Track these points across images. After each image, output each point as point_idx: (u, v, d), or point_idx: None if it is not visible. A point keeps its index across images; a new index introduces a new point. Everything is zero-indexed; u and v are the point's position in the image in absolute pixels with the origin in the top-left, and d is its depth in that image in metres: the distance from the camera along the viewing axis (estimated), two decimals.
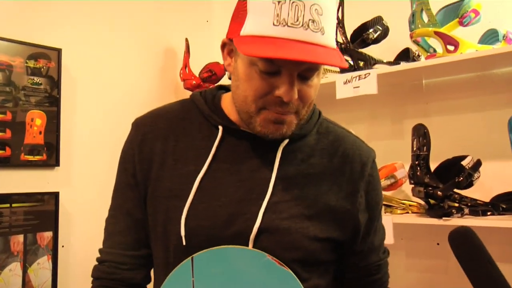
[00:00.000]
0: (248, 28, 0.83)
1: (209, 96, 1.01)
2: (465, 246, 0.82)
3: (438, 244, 1.70)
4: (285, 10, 0.79)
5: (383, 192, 1.68)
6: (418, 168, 1.57)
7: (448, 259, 1.68)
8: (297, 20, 0.80)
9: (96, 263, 1.01)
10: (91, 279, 1.00)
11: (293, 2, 0.79)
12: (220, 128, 0.96)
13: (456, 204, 1.54)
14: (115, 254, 0.99)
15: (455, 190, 1.54)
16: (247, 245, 0.87)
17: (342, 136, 1.00)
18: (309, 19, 0.80)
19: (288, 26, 0.80)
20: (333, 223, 0.93)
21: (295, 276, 0.86)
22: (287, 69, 0.83)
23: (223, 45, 0.92)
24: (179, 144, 0.97)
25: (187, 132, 0.99)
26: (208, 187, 0.93)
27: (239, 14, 0.85)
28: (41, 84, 1.78)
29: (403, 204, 1.67)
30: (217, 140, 0.95)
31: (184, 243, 0.88)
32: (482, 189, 1.58)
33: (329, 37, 0.83)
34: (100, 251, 1.01)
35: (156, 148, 0.98)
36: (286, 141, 0.94)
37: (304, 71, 0.85)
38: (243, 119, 0.93)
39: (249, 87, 0.87)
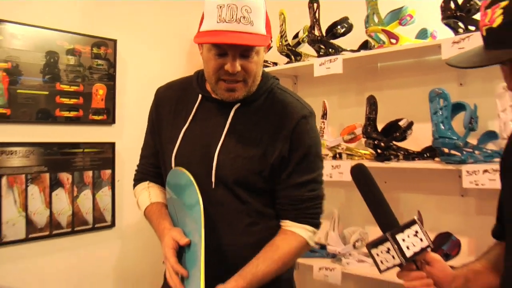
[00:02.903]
0: (203, 26, 1.06)
1: (201, 73, 1.22)
2: (361, 177, 1.00)
3: (385, 182, 1.89)
4: (224, 12, 1.00)
5: (346, 144, 2.04)
6: (369, 127, 1.95)
7: (392, 194, 1.94)
8: (232, 17, 0.99)
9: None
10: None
11: (229, 6, 1.00)
12: (200, 96, 1.20)
13: (394, 152, 1.91)
14: (144, 166, 1.34)
15: (394, 142, 1.90)
16: (212, 175, 1.12)
17: (283, 99, 1.17)
18: (241, 16, 0.99)
19: (226, 22, 1.00)
20: (264, 159, 1.12)
21: (186, 171, 1.11)
22: (230, 51, 1.03)
23: None
24: (178, 107, 1.23)
25: (183, 98, 1.23)
26: (189, 135, 1.17)
27: (201, 19, 1.08)
28: (102, 65, 2.24)
29: (360, 152, 2.08)
30: (196, 104, 1.19)
31: None
32: (414, 142, 1.94)
33: (258, 27, 1.02)
34: (137, 166, 1.37)
35: (165, 110, 1.25)
36: (238, 104, 1.15)
37: (243, 51, 1.04)
38: (211, 89, 1.15)
39: (209, 66, 1.08)
